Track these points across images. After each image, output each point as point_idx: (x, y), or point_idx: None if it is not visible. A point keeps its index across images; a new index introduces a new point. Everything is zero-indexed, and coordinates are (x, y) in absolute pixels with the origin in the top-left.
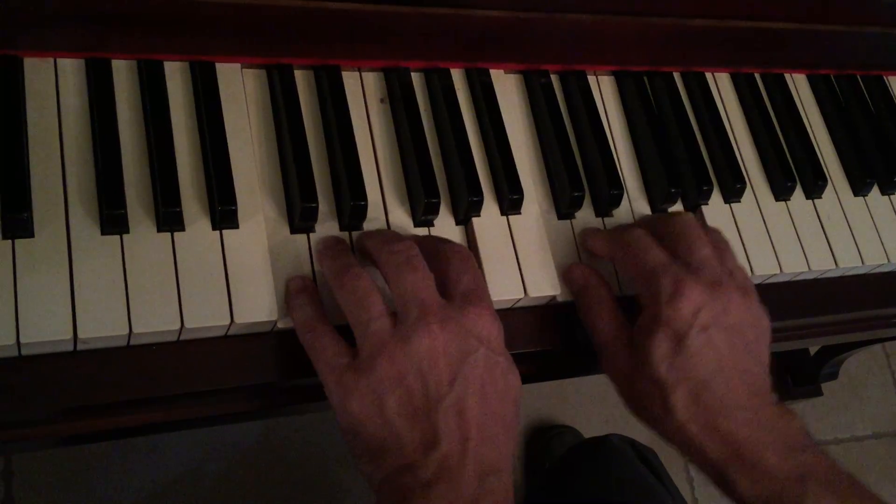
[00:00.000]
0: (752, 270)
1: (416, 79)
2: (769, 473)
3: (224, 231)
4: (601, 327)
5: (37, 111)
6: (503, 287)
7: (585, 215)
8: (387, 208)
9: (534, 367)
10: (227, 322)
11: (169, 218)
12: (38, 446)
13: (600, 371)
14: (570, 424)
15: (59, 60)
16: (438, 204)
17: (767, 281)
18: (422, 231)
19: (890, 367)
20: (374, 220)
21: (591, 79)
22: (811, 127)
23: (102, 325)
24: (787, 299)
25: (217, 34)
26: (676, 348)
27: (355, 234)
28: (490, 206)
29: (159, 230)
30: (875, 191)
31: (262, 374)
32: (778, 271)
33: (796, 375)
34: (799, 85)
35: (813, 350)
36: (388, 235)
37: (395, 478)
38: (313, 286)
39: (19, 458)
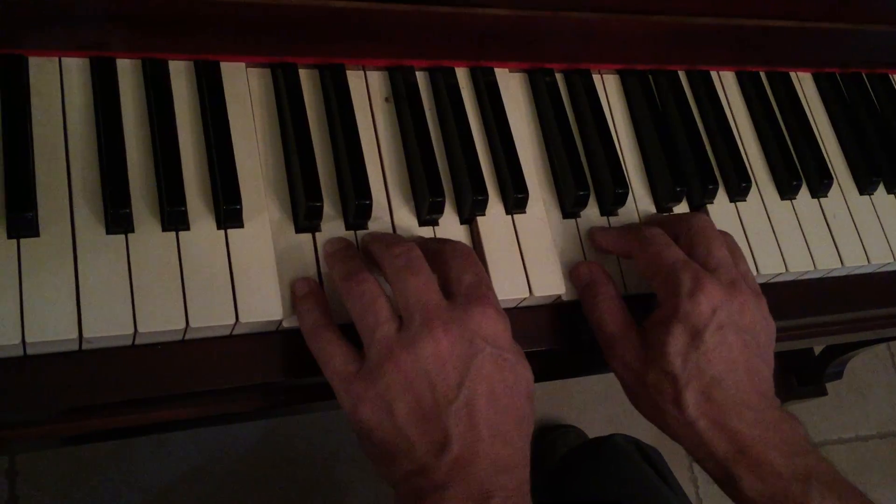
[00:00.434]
0: (757, 269)
1: (421, 77)
2: (775, 472)
3: (229, 230)
4: (607, 321)
5: (42, 110)
6: (508, 286)
7: (590, 214)
8: (391, 207)
9: (539, 367)
10: (233, 321)
11: (174, 217)
12: (42, 445)
13: (605, 370)
14: (575, 424)
15: (63, 59)
16: (443, 203)
17: (773, 280)
18: (426, 230)
19: (895, 367)
20: (378, 219)
21: (596, 77)
22: (816, 125)
23: (107, 324)
24: (792, 298)
25: (221, 33)
26: (693, 344)
27: (360, 233)
28: (495, 205)
29: (164, 229)
30: (881, 189)
31: (266, 374)
32: (783, 270)
33: (801, 375)
34: (804, 83)
35: (818, 349)
36: (390, 239)
37: (409, 481)
38: (319, 289)
39: (23, 457)
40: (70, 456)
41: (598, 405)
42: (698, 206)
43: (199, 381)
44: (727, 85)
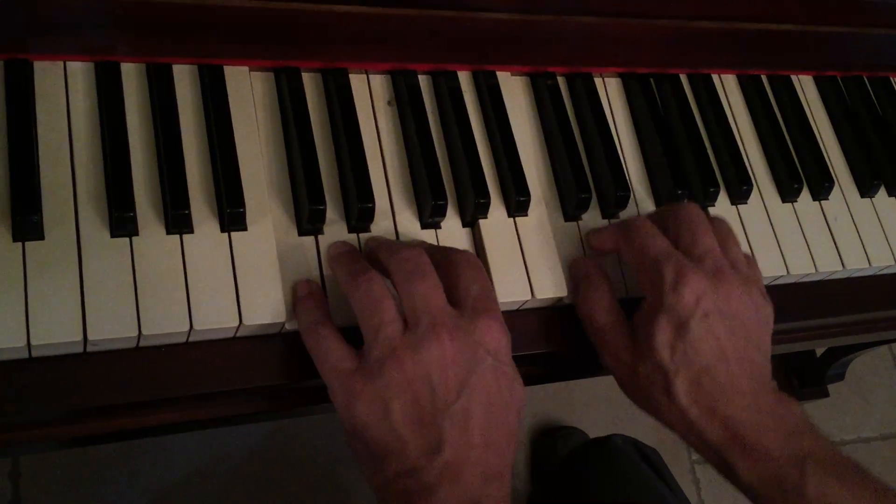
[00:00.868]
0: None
1: (423, 81)
2: (768, 456)
3: (232, 233)
4: (599, 315)
5: (47, 114)
6: (510, 289)
7: (592, 217)
8: (394, 210)
9: (540, 369)
10: (236, 324)
11: (178, 220)
12: (46, 447)
13: (606, 373)
14: (576, 425)
15: (68, 64)
16: (445, 206)
17: (774, 282)
18: (429, 233)
19: None
20: (381, 222)
21: (598, 81)
22: (818, 128)
23: (112, 326)
24: (793, 301)
25: (225, 37)
26: (678, 335)
27: (363, 236)
28: (497, 208)
29: (168, 232)
30: (882, 192)
31: (270, 376)
32: (785, 273)
33: (803, 376)
34: (805, 86)
35: (819, 351)
36: (398, 244)
37: (397, 482)
38: (320, 290)
39: (26, 459)
40: (73, 457)
41: (599, 407)
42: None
43: (202, 384)
44: (729, 88)
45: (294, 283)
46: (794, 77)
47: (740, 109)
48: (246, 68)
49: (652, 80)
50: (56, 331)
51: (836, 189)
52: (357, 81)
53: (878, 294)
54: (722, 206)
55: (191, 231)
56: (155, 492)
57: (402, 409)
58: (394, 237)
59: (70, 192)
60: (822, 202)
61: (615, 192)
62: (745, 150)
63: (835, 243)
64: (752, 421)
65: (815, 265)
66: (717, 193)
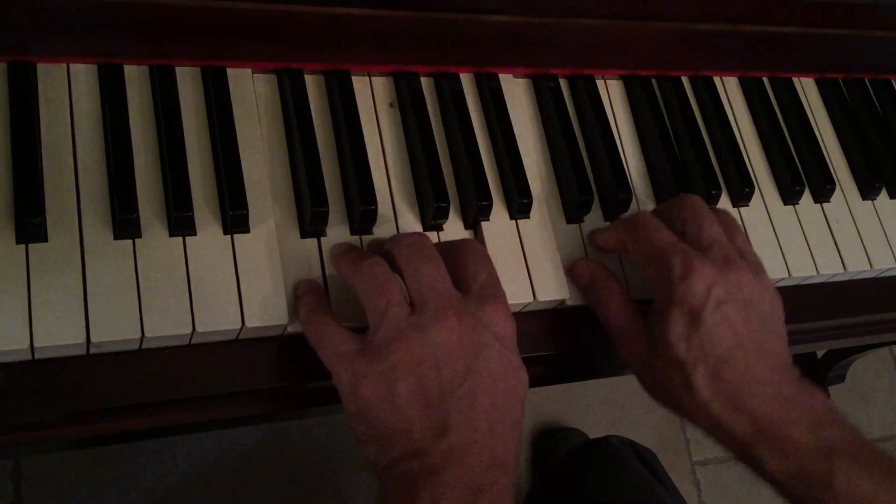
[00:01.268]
0: None
1: (426, 83)
2: (796, 449)
3: (235, 235)
4: (614, 317)
5: (50, 116)
6: (512, 291)
7: (594, 219)
8: (396, 212)
9: (543, 371)
10: (238, 326)
11: (181, 222)
12: (48, 449)
13: (608, 374)
14: (577, 427)
15: (72, 66)
16: (448, 208)
17: (776, 285)
18: (431, 235)
19: None
20: (383, 224)
21: (600, 83)
22: (819, 130)
23: (115, 329)
24: (795, 303)
25: (228, 39)
26: (692, 326)
27: (366, 238)
28: (499, 211)
29: (171, 235)
30: (884, 194)
31: (272, 378)
32: (786, 275)
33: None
34: (807, 88)
35: (820, 353)
36: (402, 234)
37: (401, 463)
38: (320, 287)
39: (28, 460)
40: (75, 458)
41: (601, 408)
42: None
43: (204, 386)
44: (730, 90)
45: (295, 283)
46: (795, 79)
47: (742, 111)
48: (249, 70)
49: (654, 82)
50: (59, 333)
51: (837, 191)
52: (359, 83)
53: (879, 296)
54: (723, 209)
55: (194, 233)
56: (156, 493)
57: (408, 391)
58: None
59: (73, 194)
60: (824, 204)
61: (617, 194)
62: (746, 152)
63: (836, 245)
64: (776, 412)
65: (816, 267)
66: (718, 195)
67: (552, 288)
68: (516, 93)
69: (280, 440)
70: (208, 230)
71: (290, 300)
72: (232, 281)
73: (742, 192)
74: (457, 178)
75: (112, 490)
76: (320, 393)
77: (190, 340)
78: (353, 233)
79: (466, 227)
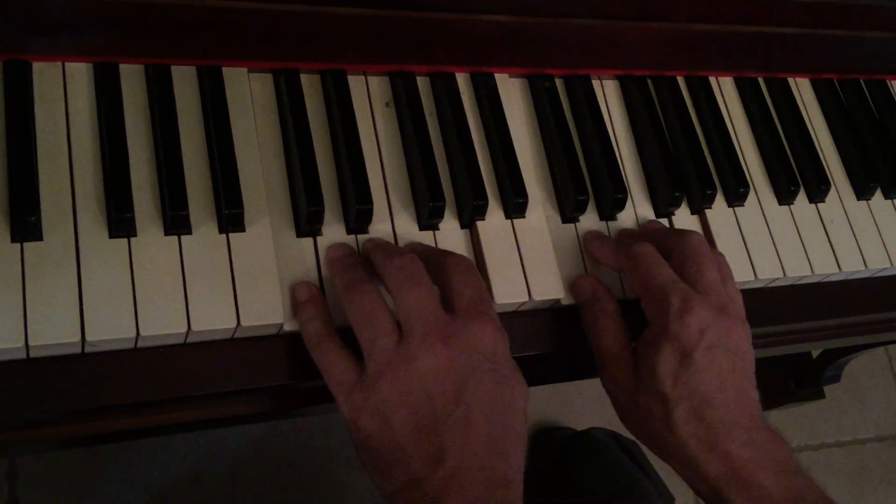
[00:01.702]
0: (755, 274)
1: (422, 83)
2: (765, 494)
3: (231, 234)
4: (606, 341)
5: (45, 115)
6: (507, 291)
7: (589, 219)
8: (392, 212)
9: (538, 370)
10: (234, 325)
11: (176, 221)
12: (44, 448)
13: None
14: (573, 426)
15: (67, 64)
16: (443, 208)
17: (771, 284)
18: (427, 234)
19: (892, 370)
20: (379, 223)
21: (596, 83)
22: (814, 131)
23: (110, 327)
24: (790, 303)
25: (224, 39)
26: (683, 364)
27: (361, 237)
28: (494, 210)
29: (166, 233)
30: (878, 195)
31: (267, 377)
32: (781, 275)
33: (799, 378)
34: (802, 89)
35: (815, 353)
36: (392, 249)
37: (404, 492)
38: (320, 294)
39: (24, 459)
40: (71, 458)
41: (596, 408)
42: (697, 212)
43: (200, 384)
44: (726, 91)
45: (293, 286)
46: (791, 79)
47: (737, 112)
48: (245, 69)
49: (649, 82)
50: (54, 331)
51: (832, 191)
52: (355, 83)
53: (874, 296)
54: (719, 208)
55: (189, 232)
56: (152, 491)
57: (402, 421)
58: (392, 239)
59: (69, 192)
60: (819, 204)
61: (612, 195)
62: (741, 152)
63: (831, 245)
64: (750, 457)
65: (811, 267)
66: (714, 195)
67: (547, 287)
68: (512, 92)
69: (275, 439)
70: (204, 229)
71: (285, 299)
72: (227, 280)
73: (737, 191)
74: (452, 177)
75: (107, 489)
76: (316, 392)
77: (185, 339)
78: (348, 232)
79: (462, 227)
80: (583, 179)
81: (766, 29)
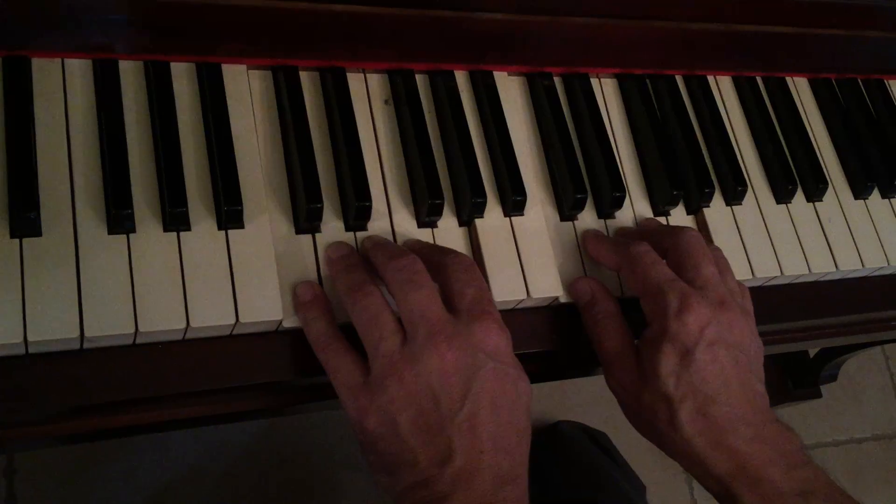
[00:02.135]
0: (752, 272)
1: (421, 81)
2: (773, 489)
3: (230, 231)
4: (608, 342)
5: (45, 111)
6: (506, 288)
7: (588, 217)
8: (391, 209)
9: (536, 368)
10: (233, 321)
11: (175, 218)
12: (43, 444)
13: (601, 372)
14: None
15: (66, 61)
16: (442, 205)
17: (768, 283)
18: (425, 232)
19: (889, 370)
20: (378, 221)
21: (595, 81)
22: (812, 130)
23: (109, 323)
24: (787, 302)
25: (223, 36)
26: (684, 363)
27: (360, 234)
28: (493, 208)
29: (165, 230)
30: (875, 194)
31: (266, 374)
32: (778, 273)
33: (796, 377)
34: (800, 88)
35: (812, 352)
36: (393, 250)
37: (411, 492)
38: (322, 294)
39: (22, 456)
40: (69, 454)
41: (594, 406)
42: (695, 210)
43: (198, 381)
44: (724, 90)
45: (295, 286)
46: (789, 79)
47: (735, 111)
48: (244, 67)
49: (648, 80)
50: (53, 327)
51: (830, 190)
52: (355, 80)
53: (871, 295)
54: (716, 207)
55: (188, 228)
56: (150, 489)
57: (408, 422)
58: (390, 236)
59: (68, 189)
60: (816, 203)
61: (611, 193)
62: (739, 151)
63: (828, 244)
64: (757, 452)
65: (808, 266)
66: (711, 194)
67: (546, 285)
68: (511, 90)
69: (274, 437)
70: (203, 225)
71: (284, 296)
72: (226, 276)
73: (735, 190)
74: (451, 175)
75: (106, 486)
76: (315, 388)
77: (184, 335)
78: (347, 229)
79: (461, 225)
80: (581, 178)
81: (765, 28)
